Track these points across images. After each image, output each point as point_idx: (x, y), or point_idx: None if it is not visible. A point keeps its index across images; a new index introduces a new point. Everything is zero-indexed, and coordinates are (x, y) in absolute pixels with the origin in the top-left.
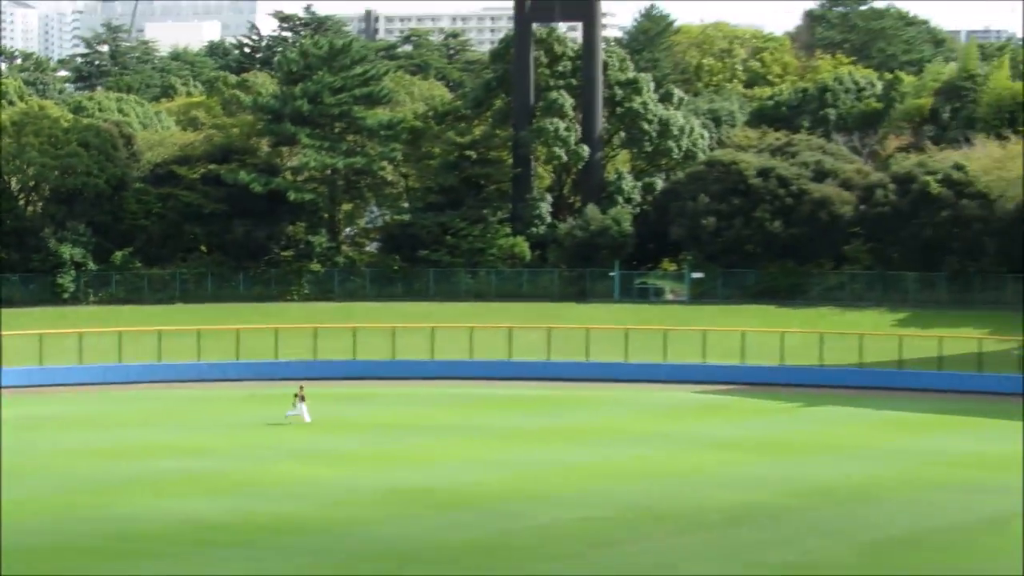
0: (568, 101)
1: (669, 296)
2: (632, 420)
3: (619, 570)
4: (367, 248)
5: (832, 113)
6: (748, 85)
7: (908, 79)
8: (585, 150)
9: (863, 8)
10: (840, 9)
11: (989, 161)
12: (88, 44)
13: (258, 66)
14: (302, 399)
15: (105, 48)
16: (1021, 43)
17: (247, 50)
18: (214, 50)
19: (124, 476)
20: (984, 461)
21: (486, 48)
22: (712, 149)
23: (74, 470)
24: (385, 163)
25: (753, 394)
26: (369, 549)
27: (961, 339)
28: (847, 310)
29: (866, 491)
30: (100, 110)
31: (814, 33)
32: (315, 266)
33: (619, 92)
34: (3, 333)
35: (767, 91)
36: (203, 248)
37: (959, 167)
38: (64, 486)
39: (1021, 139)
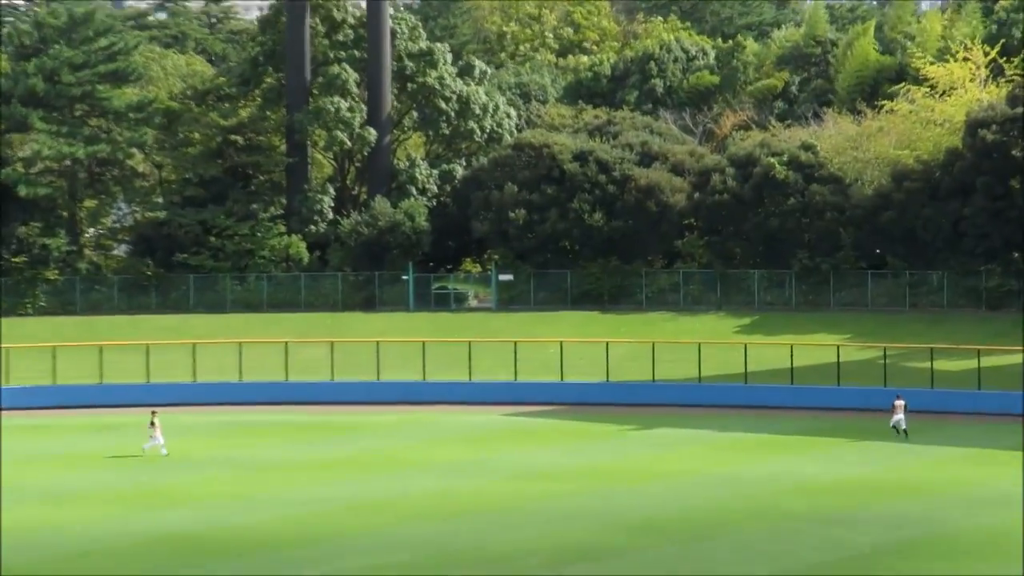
0: (351, 76)
1: (473, 303)
2: (433, 448)
3: None
4: (115, 252)
5: (659, 86)
6: (561, 54)
7: (751, 46)
8: (372, 133)
9: None
10: None
11: (842, 140)
12: None
13: None
14: (154, 425)
15: None
16: (879, 4)
17: None
18: None
19: None
20: (846, 488)
21: (253, 16)
22: (520, 130)
23: None
24: (135, 151)
25: (574, 415)
26: None
27: (815, 347)
28: (682, 315)
29: (709, 525)
30: None
31: None
32: (52, 274)
33: (410, 65)
34: None
35: (583, 61)
36: None
37: (808, 147)
38: None
39: (878, 113)
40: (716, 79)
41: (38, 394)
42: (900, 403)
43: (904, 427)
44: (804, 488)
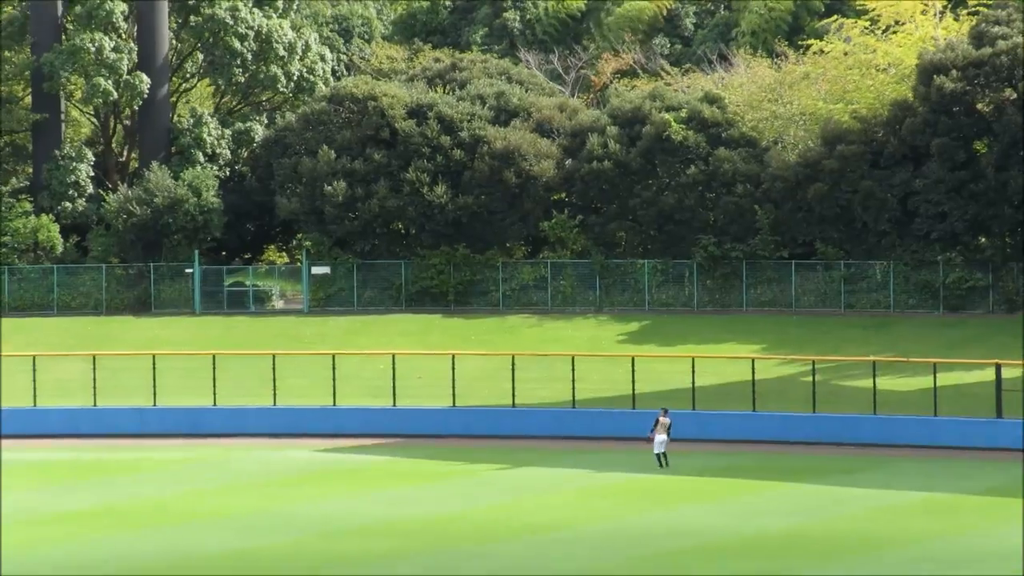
0: (117, 6)
1: (279, 303)
2: (225, 495)
3: None
4: None
5: (515, 20)
6: None
7: None
8: (144, 81)
9: None
10: None
11: (757, 90)
12: None
13: None
14: None
15: None
16: None
17: None
18: None
19: None
20: (768, 546)
21: None
22: (339, 77)
23: None
24: None
25: (410, 451)
26: None
27: (724, 360)
28: (550, 319)
29: None
30: None
31: None
32: None
33: None
34: None
35: None
36: None
37: (712, 100)
38: None
39: (803, 56)
40: (581, 2)
41: None
42: (665, 421)
43: (662, 450)
44: (714, 547)
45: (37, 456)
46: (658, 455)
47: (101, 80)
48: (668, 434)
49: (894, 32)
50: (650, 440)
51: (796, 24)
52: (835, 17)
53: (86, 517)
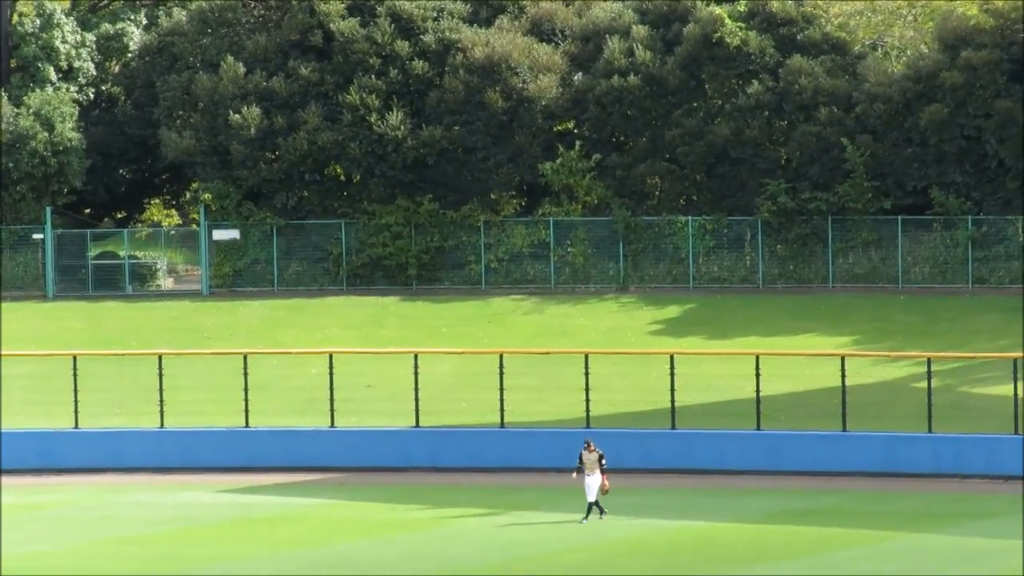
0: None
1: (166, 282)
2: (96, 556)
3: None
4: None
5: None
6: None
7: None
8: None
9: None
10: None
11: None
12: None
13: None
14: None
15: None
16: None
17: None
18: None
19: None
20: None
21: None
22: None
23: None
24: None
25: (357, 490)
26: None
27: (803, 360)
28: (554, 301)
29: None
30: None
31: None
32: None
33: None
34: None
35: None
36: None
37: None
38: None
39: None
40: None
41: None
42: (592, 456)
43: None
44: None
45: None
46: (592, 504)
47: None
48: (602, 470)
49: None
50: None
51: None
52: None
53: None
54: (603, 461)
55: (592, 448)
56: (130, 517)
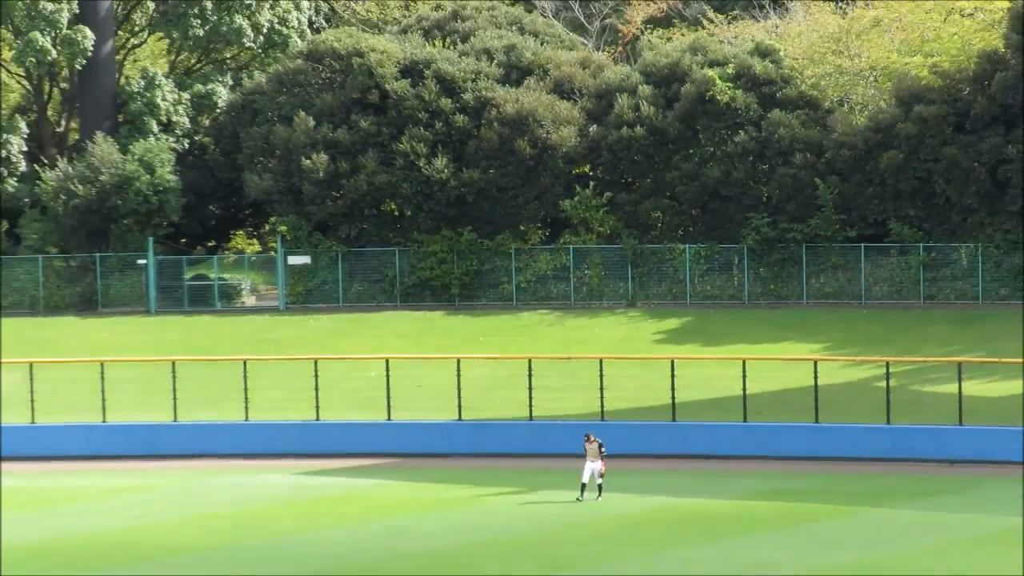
0: None
1: (250, 300)
2: (185, 528)
3: None
4: None
5: None
6: None
7: None
8: (87, 36)
9: None
10: None
11: (818, 40)
12: None
13: None
14: None
15: None
16: None
17: None
18: None
19: None
20: None
21: None
22: (318, 30)
23: None
24: None
25: (409, 473)
26: None
27: (781, 363)
28: (573, 316)
29: None
30: None
31: None
32: None
33: None
34: None
35: None
36: None
37: (765, 53)
38: None
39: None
40: None
41: None
42: (592, 445)
43: (599, 480)
44: None
45: None
46: (585, 485)
47: (37, 35)
48: (602, 456)
49: None
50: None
51: None
52: None
53: (21, 556)
54: (603, 449)
55: (592, 439)
56: (219, 496)
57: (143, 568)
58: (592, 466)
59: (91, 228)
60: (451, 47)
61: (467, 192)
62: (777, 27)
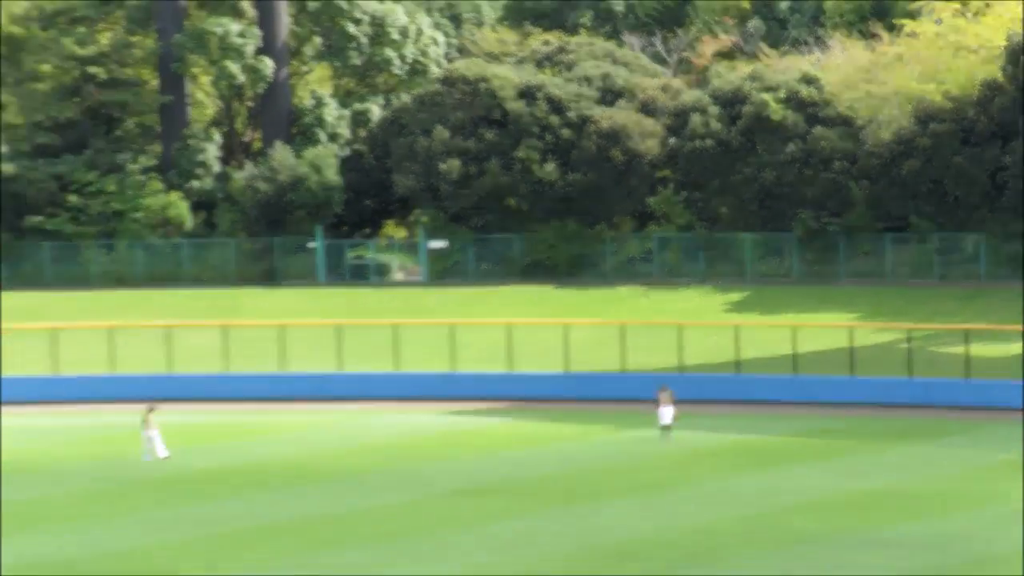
0: None
1: (398, 275)
2: (350, 456)
3: None
4: None
5: (620, 5)
6: None
7: None
8: (268, 65)
9: None
10: None
11: (852, 71)
12: None
13: None
14: (151, 427)
15: None
16: None
17: None
18: None
19: None
20: (864, 503)
21: None
22: (452, 60)
23: None
24: None
25: (526, 414)
26: None
27: (823, 329)
28: (657, 290)
29: (697, 550)
30: None
31: None
32: None
33: None
34: None
35: None
36: None
37: (810, 80)
38: None
39: (897, 37)
40: None
41: None
42: (665, 394)
43: (672, 422)
44: (813, 504)
45: (170, 420)
46: (664, 427)
47: (229, 64)
48: (674, 403)
49: (983, 14)
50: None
51: (881, 6)
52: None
53: (224, 476)
54: (674, 397)
55: (665, 388)
56: (374, 432)
57: (320, 488)
58: (667, 411)
59: (271, 218)
60: (558, 74)
61: (571, 191)
62: (819, 60)
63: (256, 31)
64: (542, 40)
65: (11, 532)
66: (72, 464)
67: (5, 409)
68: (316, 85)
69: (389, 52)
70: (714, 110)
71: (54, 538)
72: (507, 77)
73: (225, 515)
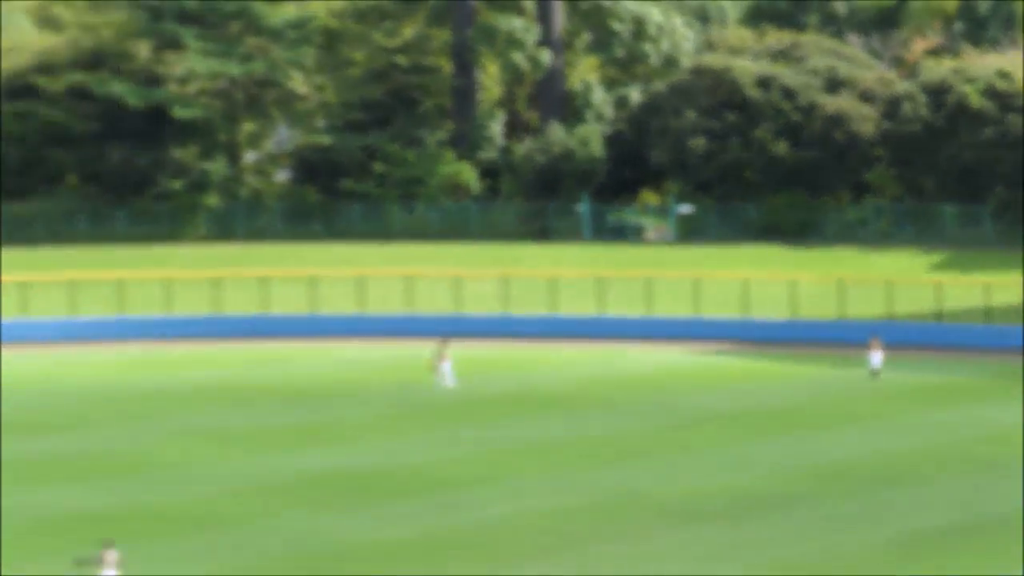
0: None
1: (651, 235)
2: (609, 387)
3: (596, 571)
4: (276, 177)
5: (843, 7)
6: None
7: None
8: (546, 56)
9: None
10: None
11: None
12: None
13: None
14: (443, 359)
15: None
16: None
17: None
18: None
19: None
20: None
21: None
22: (698, 54)
23: None
24: (294, 72)
25: (758, 354)
26: (290, 547)
27: (1013, 285)
28: (871, 251)
29: (895, 473)
30: None
31: None
32: (212, 199)
33: None
34: None
35: None
36: (70, 178)
37: (1004, 75)
38: None
39: None
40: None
41: (200, 324)
42: (876, 341)
43: (879, 366)
44: (1000, 436)
45: (458, 353)
46: (874, 370)
47: (513, 54)
48: (882, 349)
49: None
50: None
51: None
52: None
53: (503, 401)
54: (883, 343)
55: (876, 337)
56: (630, 367)
57: (571, 412)
58: (876, 355)
59: (545, 184)
60: (790, 67)
61: (800, 165)
62: (1012, 57)
63: (536, 27)
64: (776, 38)
65: (316, 445)
66: (375, 389)
67: (319, 343)
68: (585, 73)
69: (647, 46)
70: (922, 99)
71: (354, 451)
72: (746, 69)
73: (504, 435)
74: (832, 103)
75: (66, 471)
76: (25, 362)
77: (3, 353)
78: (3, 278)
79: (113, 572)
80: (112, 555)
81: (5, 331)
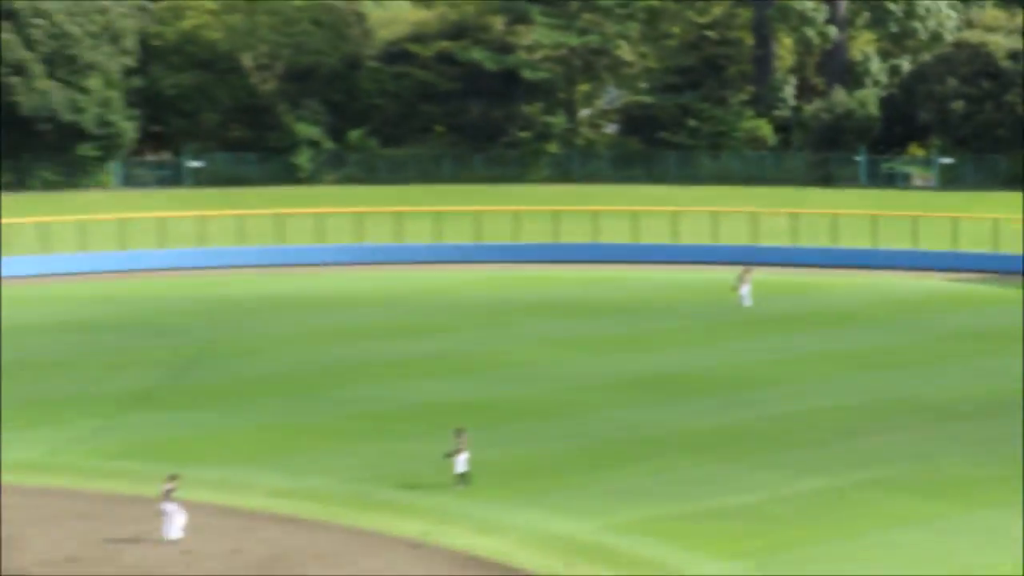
0: None
1: (917, 182)
2: (880, 308)
3: (868, 458)
4: (605, 130)
5: None
6: None
7: None
8: (833, 31)
9: None
10: None
11: None
12: None
13: None
14: (744, 283)
15: None
16: None
17: None
18: None
19: (364, 357)
20: None
21: None
22: (959, 30)
23: (314, 350)
24: (622, 42)
25: (1006, 283)
26: (615, 434)
27: None
28: None
29: None
30: None
31: None
32: (553, 147)
33: None
34: (243, 212)
35: None
36: (438, 128)
37: None
38: (304, 366)
39: None
40: None
41: (542, 250)
42: None
43: None
44: None
45: (758, 278)
46: None
47: (805, 29)
48: None
49: None
50: None
51: None
52: None
53: (790, 319)
54: None
55: None
56: (897, 292)
57: (842, 329)
58: None
59: (829, 138)
60: None
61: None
62: None
63: (824, 7)
64: None
65: (636, 351)
66: (685, 306)
67: (639, 268)
68: (864, 46)
69: (916, 24)
70: None
71: (666, 357)
72: (1000, 44)
73: (790, 346)
74: None
75: (435, 368)
76: (399, 280)
77: (379, 270)
78: (381, 209)
79: (465, 453)
80: (463, 437)
81: (381, 253)
